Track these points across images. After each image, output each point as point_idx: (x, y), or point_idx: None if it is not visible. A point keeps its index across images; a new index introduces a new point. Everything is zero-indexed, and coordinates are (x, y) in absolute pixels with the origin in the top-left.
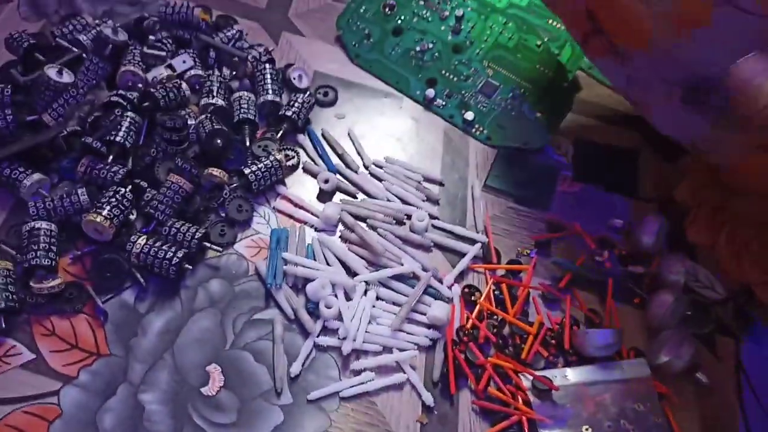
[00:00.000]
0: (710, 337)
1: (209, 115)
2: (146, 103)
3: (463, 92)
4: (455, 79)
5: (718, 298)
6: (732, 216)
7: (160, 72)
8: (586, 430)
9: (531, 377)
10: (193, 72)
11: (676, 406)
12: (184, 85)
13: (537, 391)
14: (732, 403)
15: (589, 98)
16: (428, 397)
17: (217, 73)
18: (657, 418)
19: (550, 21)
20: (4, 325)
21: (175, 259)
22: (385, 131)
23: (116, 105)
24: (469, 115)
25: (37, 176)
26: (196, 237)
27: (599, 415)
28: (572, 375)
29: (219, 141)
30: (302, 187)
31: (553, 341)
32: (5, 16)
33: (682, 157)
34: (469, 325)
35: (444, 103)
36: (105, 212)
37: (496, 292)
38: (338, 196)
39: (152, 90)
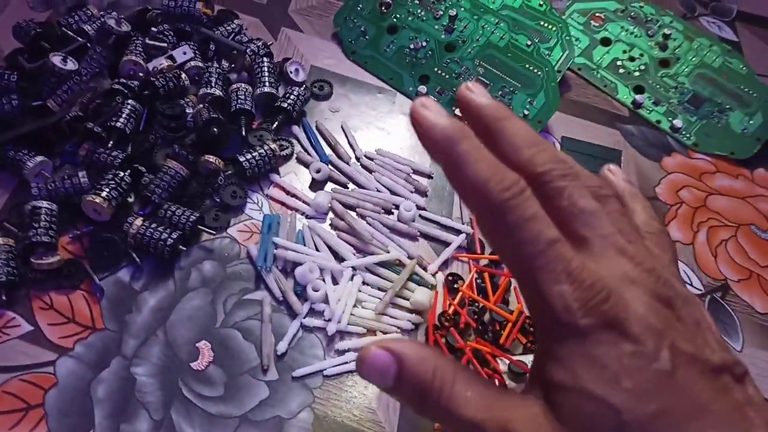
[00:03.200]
0: None
1: (207, 104)
2: (146, 92)
3: (454, 89)
4: (447, 76)
5: (695, 293)
6: (711, 216)
7: (161, 62)
8: None
9: (508, 361)
10: (192, 63)
11: None
12: (183, 75)
13: (513, 375)
14: None
15: (577, 98)
16: None
17: (216, 65)
18: None
19: (542, 23)
20: (4, 298)
21: (169, 240)
22: (377, 125)
23: (117, 93)
24: (459, 113)
25: (40, 158)
26: (190, 220)
27: None
28: None
29: (215, 129)
30: (295, 176)
31: (531, 329)
32: (14, 5)
33: (664, 156)
34: (450, 311)
35: (436, 99)
36: (104, 193)
37: (478, 281)
38: (330, 186)
39: (152, 79)
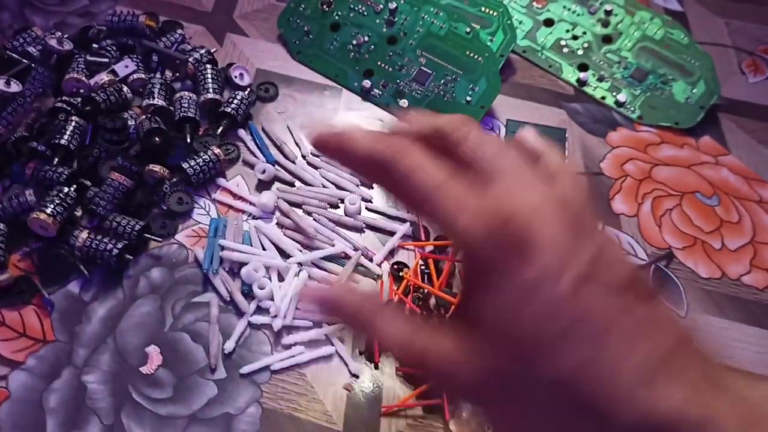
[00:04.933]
0: None
1: (149, 115)
2: (88, 107)
3: (398, 81)
4: (390, 69)
5: (640, 264)
6: (655, 187)
7: (102, 77)
8: None
9: None
10: (135, 76)
11: None
12: (125, 88)
13: None
14: None
15: (522, 80)
16: (355, 367)
17: (159, 76)
18: None
19: (483, 9)
20: None
21: (115, 250)
22: (324, 123)
23: (61, 110)
24: (404, 103)
25: None
26: (135, 229)
27: None
28: None
29: (157, 138)
30: (242, 179)
31: None
32: None
33: (610, 132)
34: (396, 299)
35: (380, 92)
36: (49, 210)
37: (422, 267)
38: (276, 186)
39: (94, 94)
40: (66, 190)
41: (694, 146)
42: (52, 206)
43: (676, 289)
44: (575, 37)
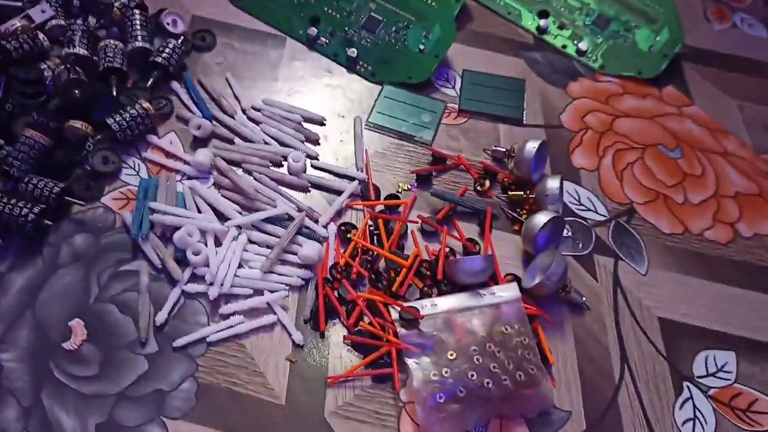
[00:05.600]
0: (590, 258)
1: (69, 65)
2: None
3: (346, 29)
4: (338, 16)
5: (599, 220)
6: (617, 140)
7: (14, 23)
8: (451, 355)
9: (398, 308)
10: (54, 22)
11: (548, 325)
12: (41, 36)
13: (404, 321)
14: (603, 319)
15: (480, 29)
16: (298, 336)
17: (80, 22)
18: (524, 338)
19: None
20: None
21: (31, 215)
22: (266, 74)
23: None
24: (353, 52)
25: None
26: (54, 192)
27: (466, 340)
28: (441, 303)
29: (77, 91)
30: (175, 136)
31: (428, 273)
32: None
33: (570, 82)
34: (342, 262)
35: (327, 41)
36: None
37: (372, 228)
38: (214, 143)
39: (4, 42)
40: None
41: (657, 96)
42: None
43: (638, 246)
44: None
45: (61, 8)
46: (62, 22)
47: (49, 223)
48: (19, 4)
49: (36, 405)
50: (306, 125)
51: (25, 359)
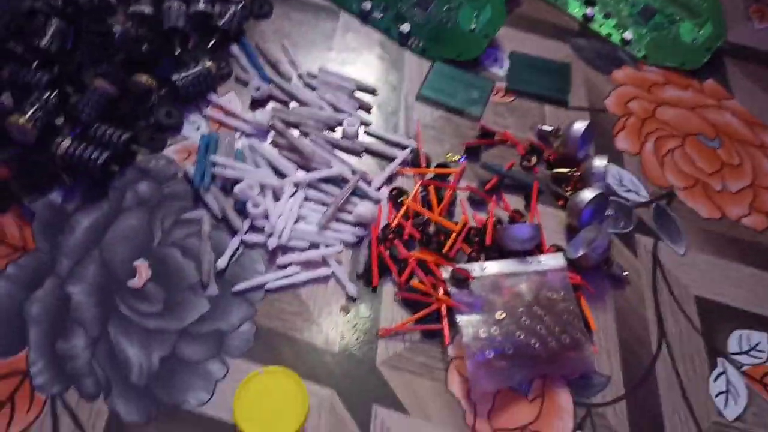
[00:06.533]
0: (631, 236)
1: (136, 22)
2: (69, 9)
3: (399, 5)
4: None
5: (641, 201)
6: (659, 127)
7: None
8: (500, 314)
9: (450, 269)
10: None
11: (590, 295)
12: None
13: (455, 281)
14: (642, 294)
15: (527, 13)
16: (352, 289)
17: None
18: (569, 304)
19: None
20: None
21: (100, 159)
22: (320, 44)
23: (39, 11)
24: (405, 28)
25: None
26: (122, 139)
27: (514, 303)
28: (491, 267)
29: (144, 47)
30: (235, 96)
31: (476, 239)
32: None
33: (614, 69)
34: (394, 224)
35: (380, 16)
36: (28, 114)
37: (423, 194)
38: (271, 105)
39: None
40: (46, 94)
41: (699, 89)
42: (31, 110)
43: (676, 228)
44: None
45: None
46: None
47: (116, 168)
48: None
49: (102, 336)
50: (358, 94)
51: (93, 293)
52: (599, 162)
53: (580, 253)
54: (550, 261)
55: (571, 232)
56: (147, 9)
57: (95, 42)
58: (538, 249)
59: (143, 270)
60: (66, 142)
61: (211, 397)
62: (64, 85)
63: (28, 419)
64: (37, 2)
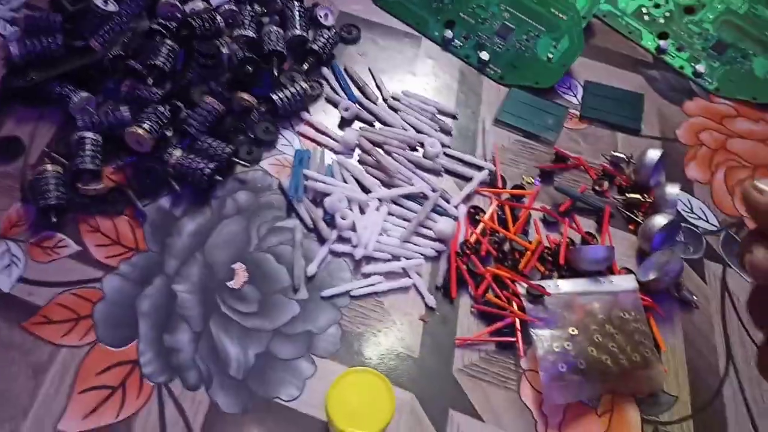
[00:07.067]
0: (700, 263)
1: (241, 45)
2: (184, 32)
3: (479, 34)
4: (473, 21)
5: (710, 229)
6: (729, 158)
7: (197, 4)
8: (573, 331)
9: (526, 285)
10: (227, 6)
11: (660, 317)
12: (218, 17)
13: (530, 297)
14: (711, 320)
15: (601, 44)
16: (431, 299)
17: (249, 8)
18: (640, 325)
19: None
20: (55, 220)
21: (207, 169)
22: (403, 68)
23: (156, 33)
24: (485, 55)
25: (84, 94)
26: (225, 152)
27: (587, 320)
28: (564, 285)
29: (249, 68)
30: (325, 115)
31: (549, 258)
32: None
33: (686, 101)
34: (472, 240)
35: (461, 44)
36: (146, 125)
37: (499, 213)
38: (357, 124)
39: (190, 20)
40: (161, 108)
41: None
42: (148, 122)
43: None
44: (657, 5)
45: None
46: (234, 7)
47: (220, 178)
48: None
49: (205, 331)
50: (439, 117)
51: (197, 292)
52: (672, 189)
53: (651, 276)
54: (622, 282)
55: (642, 256)
56: (251, 33)
57: (205, 63)
58: (609, 270)
59: (241, 273)
60: (177, 153)
61: (301, 393)
62: (175, 101)
63: (138, 404)
64: (154, 24)
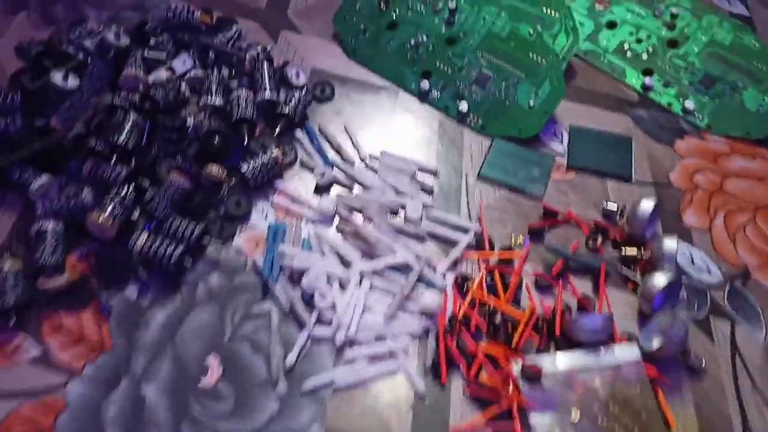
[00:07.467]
0: (706, 320)
1: (208, 114)
2: (147, 105)
3: (457, 83)
4: (449, 70)
5: (713, 282)
6: (727, 200)
7: (161, 74)
8: (575, 414)
9: (521, 363)
10: (192, 73)
11: (667, 388)
12: (183, 86)
13: (526, 377)
14: (723, 385)
15: (584, 85)
16: (420, 384)
17: (216, 73)
18: (646, 401)
19: (545, 9)
20: (13, 322)
21: (174, 256)
22: (381, 124)
23: (119, 108)
24: (464, 106)
25: (44, 178)
26: (195, 233)
27: (588, 399)
28: (562, 360)
29: (216, 139)
30: (300, 182)
31: (544, 327)
32: (16, 24)
33: (677, 140)
34: (460, 315)
35: (439, 94)
36: (107, 212)
37: (488, 280)
38: (335, 189)
39: (152, 92)
40: (124, 191)
41: (766, 157)
42: (111, 207)
43: (754, 311)
44: (639, 41)
45: (197, 60)
46: (200, 73)
47: (189, 261)
48: (164, 56)
49: None
50: (420, 175)
51: (167, 392)
52: (670, 243)
53: (654, 342)
54: (625, 352)
55: (644, 316)
56: (218, 100)
57: (170, 136)
58: (610, 338)
59: (215, 367)
60: (143, 238)
61: None
62: (139, 179)
63: None
64: (116, 98)
